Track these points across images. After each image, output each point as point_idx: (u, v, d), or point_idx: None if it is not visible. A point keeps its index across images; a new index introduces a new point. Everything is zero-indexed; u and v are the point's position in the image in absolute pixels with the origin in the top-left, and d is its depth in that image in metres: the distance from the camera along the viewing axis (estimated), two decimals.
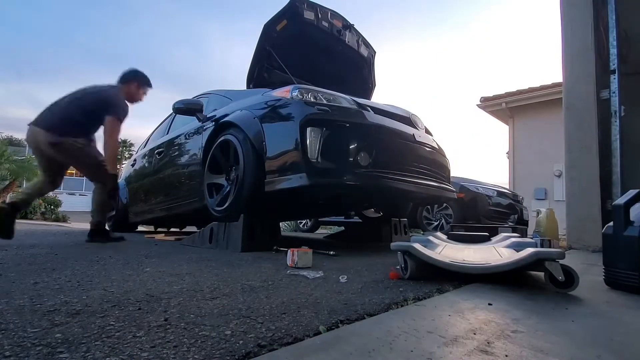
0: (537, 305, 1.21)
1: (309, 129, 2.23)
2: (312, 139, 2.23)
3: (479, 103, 8.91)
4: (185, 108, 3.21)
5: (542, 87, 7.93)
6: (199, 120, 3.20)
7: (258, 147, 2.45)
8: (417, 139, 2.74)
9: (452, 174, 3.34)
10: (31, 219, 12.39)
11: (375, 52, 3.91)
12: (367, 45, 3.79)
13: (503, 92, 8.55)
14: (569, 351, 0.82)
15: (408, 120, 2.95)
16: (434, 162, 2.89)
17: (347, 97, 2.66)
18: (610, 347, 0.86)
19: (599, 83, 3.33)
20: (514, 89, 8.41)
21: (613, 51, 3.30)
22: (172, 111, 3.47)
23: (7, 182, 15.88)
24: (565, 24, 3.58)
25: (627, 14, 3.59)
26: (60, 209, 14.50)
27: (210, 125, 3.01)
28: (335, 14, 3.43)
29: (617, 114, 3.24)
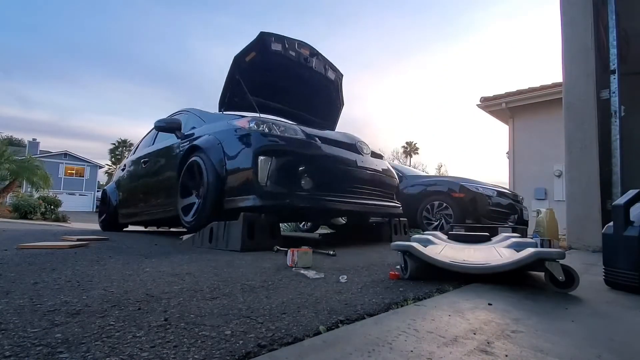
0: (537, 305, 1.21)
1: (260, 158, 2.64)
2: (263, 166, 2.63)
3: (479, 103, 8.90)
4: (167, 126, 3.66)
5: (542, 87, 7.92)
6: (177, 137, 3.60)
7: (219, 170, 2.83)
8: (360, 164, 3.14)
9: (451, 174, 3.44)
10: (31, 219, 12.39)
11: (342, 75, 4.23)
12: (334, 69, 4.11)
13: (503, 92, 8.53)
14: (569, 351, 0.82)
15: (354, 147, 3.30)
16: (378, 183, 3.30)
17: (298, 127, 3.03)
18: (610, 347, 0.86)
19: (599, 83, 3.33)
20: (514, 89, 8.40)
21: (613, 51, 3.30)
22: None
23: (7, 182, 15.89)
24: (565, 23, 3.58)
25: (627, 14, 3.59)
26: (60, 209, 14.50)
27: (185, 144, 3.38)
28: (302, 44, 3.74)
29: (617, 114, 3.24)
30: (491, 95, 8.74)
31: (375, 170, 3.28)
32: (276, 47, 3.50)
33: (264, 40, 3.42)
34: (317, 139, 2.99)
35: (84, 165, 36.50)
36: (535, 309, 1.16)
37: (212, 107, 3.78)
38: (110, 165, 47.88)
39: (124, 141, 49.10)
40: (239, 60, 3.41)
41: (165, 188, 3.62)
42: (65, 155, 35.34)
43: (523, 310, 1.14)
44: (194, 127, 3.56)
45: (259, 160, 2.62)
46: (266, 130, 2.81)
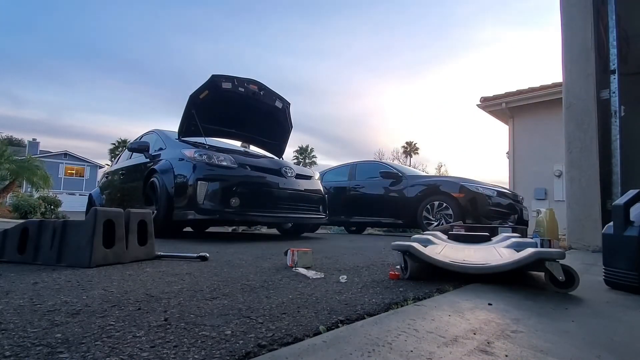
0: (537, 305, 1.21)
1: (199, 182, 3.42)
2: (201, 189, 3.41)
3: (479, 103, 8.89)
4: (138, 148, 4.49)
5: (542, 87, 7.91)
6: (146, 157, 4.41)
7: (169, 190, 3.61)
8: (282, 185, 3.86)
9: (451, 174, 3.47)
10: (31, 219, 12.35)
11: (289, 103, 4.88)
12: (282, 99, 4.77)
13: (503, 92, 8.52)
14: (569, 351, 0.82)
15: (278, 171, 3.96)
16: (299, 199, 4.02)
17: (234, 157, 3.75)
18: (610, 347, 0.86)
19: (599, 83, 3.33)
20: (514, 89, 8.39)
21: (613, 51, 3.30)
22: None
23: (7, 182, 15.90)
24: (565, 24, 3.58)
25: (627, 14, 3.59)
26: (60, 209, 14.50)
27: (150, 164, 4.17)
28: (251, 81, 4.36)
29: (617, 114, 3.24)
30: (491, 95, 8.73)
31: (296, 189, 4.00)
32: (227, 85, 4.12)
33: (215, 81, 4.05)
34: (247, 167, 3.75)
35: (84, 165, 36.48)
36: (535, 309, 1.16)
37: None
38: (110, 166, 47.82)
39: (124, 141, 48.94)
40: (194, 98, 4.04)
41: (135, 197, 4.40)
42: (65, 155, 35.32)
43: (523, 310, 1.14)
44: (160, 149, 4.40)
45: (198, 184, 3.41)
46: (206, 160, 3.56)
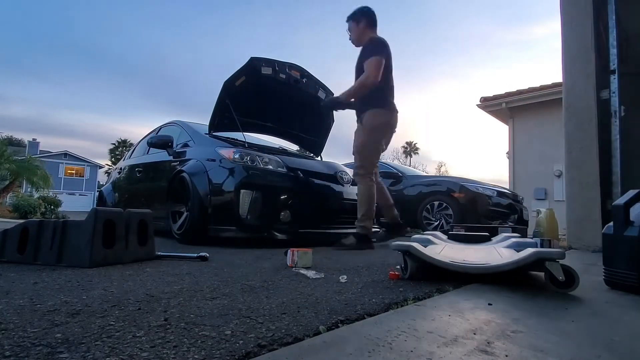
0: (537, 305, 1.21)
1: (242, 191, 2.82)
2: (244, 199, 2.82)
3: (479, 103, 8.90)
4: (159, 143, 3.78)
5: (542, 87, 7.91)
6: (169, 154, 3.72)
7: (202, 199, 2.96)
8: (339, 195, 3.32)
9: (451, 174, 3.45)
10: (30, 218, 12.34)
11: (333, 94, 4.21)
12: (325, 88, 4.16)
13: (503, 92, 8.53)
14: (569, 351, 0.82)
15: (334, 177, 3.44)
16: (356, 210, 3.36)
17: (281, 159, 3.19)
18: (610, 347, 0.86)
19: (599, 83, 3.33)
20: (514, 89, 8.40)
21: (613, 51, 3.29)
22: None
23: (7, 182, 15.90)
24: (565, 23, 3.58)
25: (627, 14, 3.59)
26: (60, 209, 14.51)
27: (176, 164, 3.56)
28: (292, 66, 3.84)
29: (617, 114, 3.24)
30: (491, 95, 8.74)
31: (354, 199, 3.37)
32: (266, 70, 3.59)
33: (253, 65, 3.49)
34: (299, 172, 3.19)
35: (84, 165, 36.49)
36: (535, 309, 1.16)
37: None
38: (110, 165, 47.80)
39: (124, 141, 49.03)
40: (228, 85, 3.48)
41: (156, 202, 3.73)
42: (65, 155, 35.33)
43: (523, 310, 1.14)
44: (185, 145, 3.78)
45: (241, 193, 2.82)
46: (249, 162, 3.00)
